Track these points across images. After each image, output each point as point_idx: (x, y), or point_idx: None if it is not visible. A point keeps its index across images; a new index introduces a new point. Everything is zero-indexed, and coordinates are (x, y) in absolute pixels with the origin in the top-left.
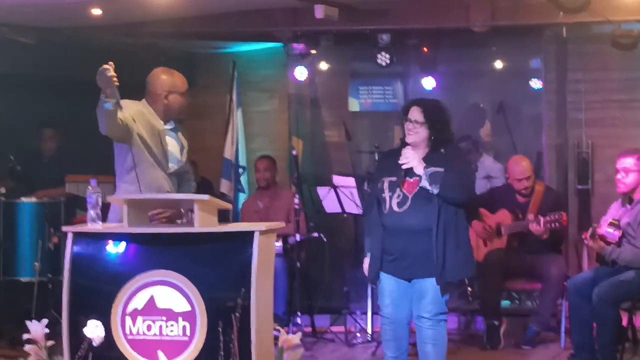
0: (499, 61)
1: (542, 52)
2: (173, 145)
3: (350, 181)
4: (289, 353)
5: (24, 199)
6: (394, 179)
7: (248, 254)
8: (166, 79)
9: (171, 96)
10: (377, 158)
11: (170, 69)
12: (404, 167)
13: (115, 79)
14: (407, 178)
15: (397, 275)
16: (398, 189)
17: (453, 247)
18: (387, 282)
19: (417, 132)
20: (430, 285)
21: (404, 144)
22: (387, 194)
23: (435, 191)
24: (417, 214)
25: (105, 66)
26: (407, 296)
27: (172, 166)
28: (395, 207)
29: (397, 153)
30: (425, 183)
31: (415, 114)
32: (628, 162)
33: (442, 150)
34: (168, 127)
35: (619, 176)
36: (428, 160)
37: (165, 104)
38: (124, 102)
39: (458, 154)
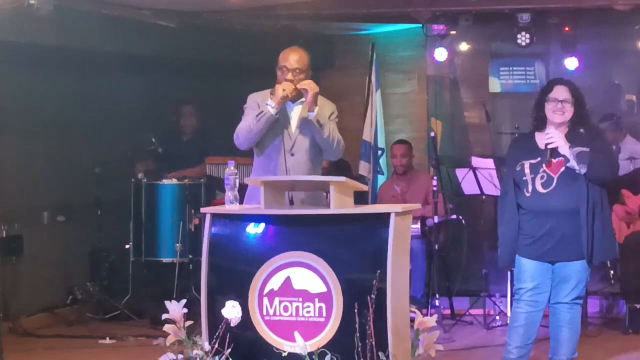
0: None
1: None
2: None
3: (490, 163)
4: (425, 335)
5: (165, 181)
6: (536, 160)
7: (384, 235)
8: (280, 56)
9: (279, 72)
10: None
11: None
12: (549, 147)
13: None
14: (552, 159)
15: (539, 257)
16: (541, 170)
17: (600, 228)
18: (529, 266)
19: (564, 112)
20: (573, 270)
21: (539, 125)
22: (529, 177)
23: (583, 171)
24: (564, 195)
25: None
26: (549, 280)
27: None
28: (539, 189)
29: (531, 136)
30: (573, 163)
31: (563, 93)
32: None
33: (582, 130)
34: (296, 105)
35: None
36: (570, 139)
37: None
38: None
39: (599, 133)
